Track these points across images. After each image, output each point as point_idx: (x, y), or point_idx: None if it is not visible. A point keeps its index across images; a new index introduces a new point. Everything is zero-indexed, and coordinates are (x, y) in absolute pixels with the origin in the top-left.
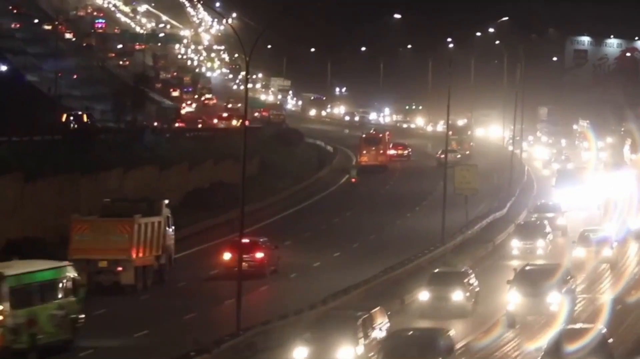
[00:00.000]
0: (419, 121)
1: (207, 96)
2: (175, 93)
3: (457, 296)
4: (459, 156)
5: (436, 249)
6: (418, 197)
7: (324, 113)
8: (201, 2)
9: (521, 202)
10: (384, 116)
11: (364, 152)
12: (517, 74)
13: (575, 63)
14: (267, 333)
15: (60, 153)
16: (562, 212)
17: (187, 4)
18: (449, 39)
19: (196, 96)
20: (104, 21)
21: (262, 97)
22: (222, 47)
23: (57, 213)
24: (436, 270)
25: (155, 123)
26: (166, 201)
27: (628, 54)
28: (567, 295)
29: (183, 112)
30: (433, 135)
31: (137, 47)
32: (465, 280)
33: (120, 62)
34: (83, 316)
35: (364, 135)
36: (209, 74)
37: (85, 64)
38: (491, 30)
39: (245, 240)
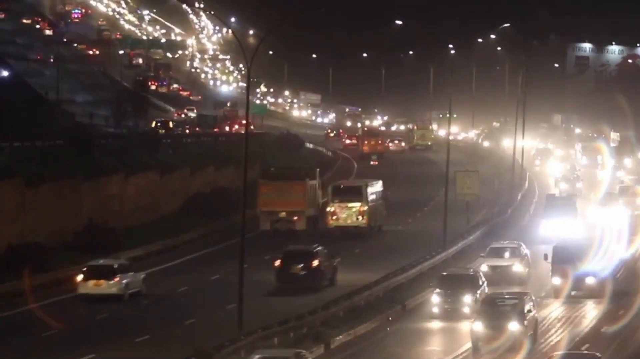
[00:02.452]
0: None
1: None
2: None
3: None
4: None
5: (438, 254)
6: (420, 203)
7: (359, 124)
8: (202, 8)
9: (522, 208)
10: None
11: (365, 142)
12: (519, 81)
13: (577, 70)
14: (269, 338)
15: (62, 159)
16: (523, 256)
17: (190, 12)
18: (451, 46)
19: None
20: (80, 11)
21: (295, 113)
22: (228, 57)
23: (58, 219)
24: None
25: (197, 129)
26: (318, 169)
27: (629, 61)
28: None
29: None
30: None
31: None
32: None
33: (90, 52)
34: None
35: (365, 129)
36: (224, 87)
37: (86, 69)
38: (493, 36)
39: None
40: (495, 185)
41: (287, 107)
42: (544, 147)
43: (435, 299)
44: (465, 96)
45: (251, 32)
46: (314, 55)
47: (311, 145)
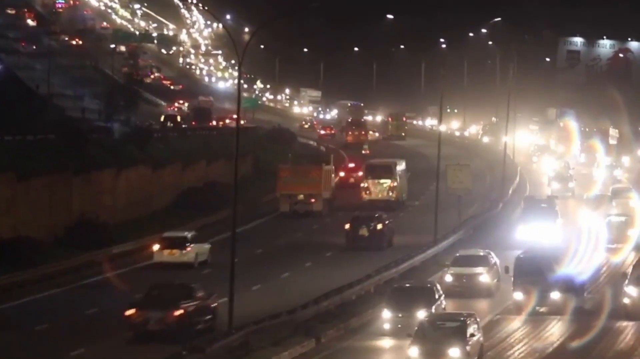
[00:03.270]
0: (454, 125)
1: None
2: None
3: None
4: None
5: (429, 248)
6: (410, 197)
7: (363, 120)
8: (195, 3)
9: (514, 203)
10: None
11: (349, 133)
12: (510, 75)
13: (568, 64)
14: (260, 332)
15: (53, 153)
16: (492, 265)
17: (182, 6)
18: (442, 40)
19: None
20: (63, 1)
21: (296, 110)
22: (220, 52)
23: (50, 213)
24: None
25: (193, 123)
26: (332, 155)
27: (621, 55)
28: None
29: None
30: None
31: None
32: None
33: (74, 42)
34: None
35: (349, 120)
36: (221, 84)
37: (77, 64)
38: (484, 31)
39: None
40: (487, 180)
41: (287, 104)
42: (544, 143)
43: (385, 314)
44: (458, 90)
45: (246, 29)
46: (305, 50)
47: (304, 140)
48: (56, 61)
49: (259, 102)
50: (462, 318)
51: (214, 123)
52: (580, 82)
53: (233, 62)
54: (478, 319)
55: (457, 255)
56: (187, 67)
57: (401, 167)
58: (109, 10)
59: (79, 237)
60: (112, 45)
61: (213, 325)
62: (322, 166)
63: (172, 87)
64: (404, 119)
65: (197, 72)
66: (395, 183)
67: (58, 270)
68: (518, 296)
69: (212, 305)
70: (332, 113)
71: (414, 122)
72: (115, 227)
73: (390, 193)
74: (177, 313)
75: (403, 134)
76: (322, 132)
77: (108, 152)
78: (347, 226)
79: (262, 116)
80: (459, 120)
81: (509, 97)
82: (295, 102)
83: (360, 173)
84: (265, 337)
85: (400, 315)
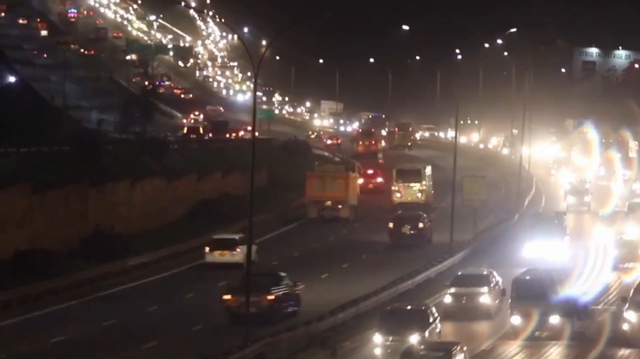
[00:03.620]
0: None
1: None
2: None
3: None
4: (406, 150)
5: (445, 260)
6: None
7: (383, 132)
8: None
9: (529, 214)
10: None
11: (360, 143)
12: (525, 85)
13: (584, 75)
14: (276, 344)
15: (68, 164)
16: (493, 285)
17: (197, 17)
18: (457, 51)
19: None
20: (76, 10)
21: (317, 122)
22: (235, 64)
23: (65, 224)
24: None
25: (210, 134)
26: (358, 164)
27: (636, 65)
28: None
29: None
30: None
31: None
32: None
33: (84, 51)
34: None
35: (360, 130)
36: (239, 97)
37: (93, 75)
38: (499, 41)
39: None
40: (503, 191)
41: (307, 117)
42: (564, 155)
43: (377, 339)
44: (474, 101)
45: (263, 42)
46: (321, 61)
47: (319, 151)
48: (72, 72)
49: (275, 113)
50: (446, 348)
51: (227, 135)
52: (596, 93)
53: (249, 74)
54: (465, 348)
55: (459, 274)
56: (205, 79)
57: (428, 171)
58: (125, 22)
59: (94, 248)
60: (128, 57)
61: (298, 311)
62: (349, 173)
63: (182, 96)
64: (410, 129)
65: (215, 84)
66: (424, 187)
67: (74, 282)
68: (515, 320)
69: (297, 292)
70: (354, 125)
71: (435, 134)
72: (131, 238)
73: (420, 195)
74: (270, 297)
75: (409, 144)
76: (329, 141)
77: (123, 163)
78: (390, 225)
79: (279, 128)
80: (480, 131)
81: (525, 108)
82: (316, 114)
83: (380, 179)
84: (281, 349)
85: (391, 339)
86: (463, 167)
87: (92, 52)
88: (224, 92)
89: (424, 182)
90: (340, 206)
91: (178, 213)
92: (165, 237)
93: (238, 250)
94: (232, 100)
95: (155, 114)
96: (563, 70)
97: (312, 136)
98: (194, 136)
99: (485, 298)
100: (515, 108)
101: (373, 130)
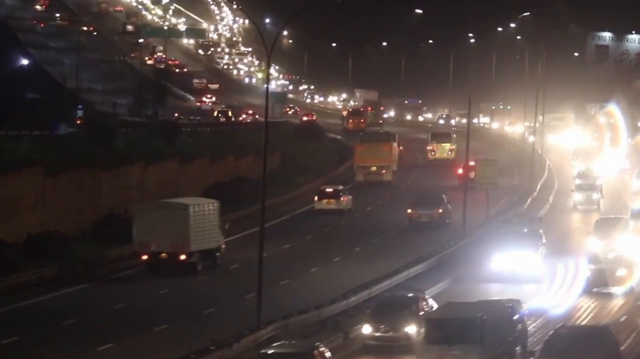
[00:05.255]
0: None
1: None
2: None
3: None
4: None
5: (457, 244)
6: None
7: (421, 118)
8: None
9: (542, 198)
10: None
11: (350, 121)
12: (539, 70)
13: (597, 59)
14: (288, 327)
15: (81, 148)
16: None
17: (211, 2)
18: (471, 34)
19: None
20: None
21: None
22: (249, 49)
23: (78, 208)
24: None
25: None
26: (396, 134)
27: None
28: None
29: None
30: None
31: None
32: None
33: (85, 28)
34: None
35: (350, 109)
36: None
37: (106, 58)
38: (513, 25)
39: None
40: (515, 175)
41: (340, 106)
42: (590, 144)
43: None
44: (486, 85)
45: (285, 32)
46: (334, 44)
47: (332, 135)
48: (85, 56)
49: (307, 102)
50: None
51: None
52: (609, 77)
53: (262, 62)
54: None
55: (384, 296)
56: (224, 67)
57: (454, 136)
58: (140, 7)
59: (107, 231)
60: (140, 40)
61: (451, 222)
62: (392, 142)
63: (209, 86)
64: (381, 108)
65: (235, 72)
66: (454, 146)
67: (86, 265)
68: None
69: (450, 209)
70: (390, 113)
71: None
72: None
73: (450, 153)
74: (439, 210)
75: (381, 122)
76: (305, 117)
77: (136, 146)
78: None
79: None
80: (512, 117)
81: (537, 93)
82: (351, 103)
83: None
84: (293, 332)
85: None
86: (477, 149)
87: (92, 28)
88: (247, 80)
89: (453, 142)
90: (384, 171)
91: (190, 196)
92: None
93: (343, 199)
94: (254, 87)
95: (168, 97)
96: (576, 54)
97: (290, 112)
98: (223, 119)
99: (404, 332)
100: (527, 93)
101: (362, 109)
